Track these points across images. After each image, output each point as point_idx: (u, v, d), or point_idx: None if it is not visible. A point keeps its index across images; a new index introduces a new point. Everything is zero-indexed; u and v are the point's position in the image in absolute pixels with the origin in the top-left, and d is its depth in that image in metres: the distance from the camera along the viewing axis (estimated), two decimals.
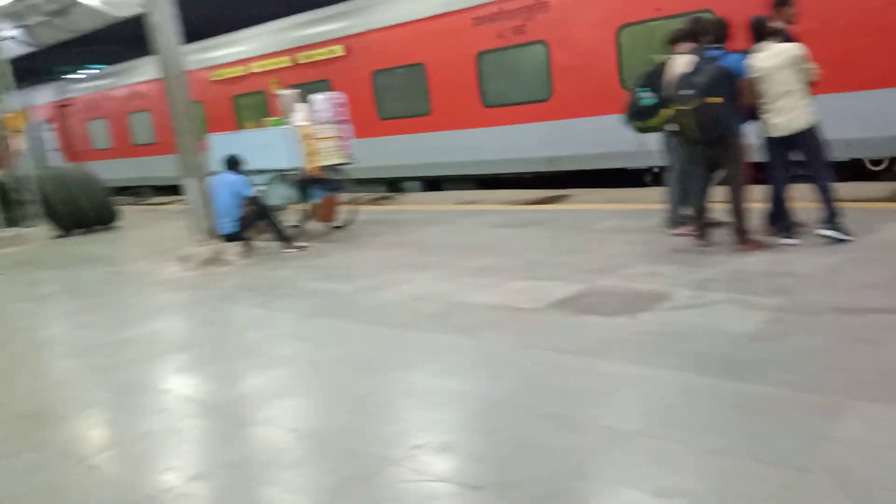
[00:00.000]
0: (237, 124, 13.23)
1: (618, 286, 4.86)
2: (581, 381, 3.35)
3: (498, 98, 10.93)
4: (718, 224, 5.70)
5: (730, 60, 5.36)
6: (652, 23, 8.94)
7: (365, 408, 3.38)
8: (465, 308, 4.79)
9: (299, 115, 8.16)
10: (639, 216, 7.19)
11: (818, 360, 3.29)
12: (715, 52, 5.41)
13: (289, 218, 8.18)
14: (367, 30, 12.38)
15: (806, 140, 5.22)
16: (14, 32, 17.68)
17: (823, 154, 5.26)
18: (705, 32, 5.59)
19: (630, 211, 7.67)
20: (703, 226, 5.67)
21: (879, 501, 2.20)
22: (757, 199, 5.50)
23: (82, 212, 11.42)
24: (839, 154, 6.35)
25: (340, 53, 12.78)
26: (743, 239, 5.39)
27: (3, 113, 11.70)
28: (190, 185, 7.38)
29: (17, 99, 12.58)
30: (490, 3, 10.64)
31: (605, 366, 3.50)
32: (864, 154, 8.07)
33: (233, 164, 7.66)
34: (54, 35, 18.46)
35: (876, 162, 8.29)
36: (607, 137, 9.09)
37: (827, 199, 5.21)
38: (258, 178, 7.94)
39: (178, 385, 4.20)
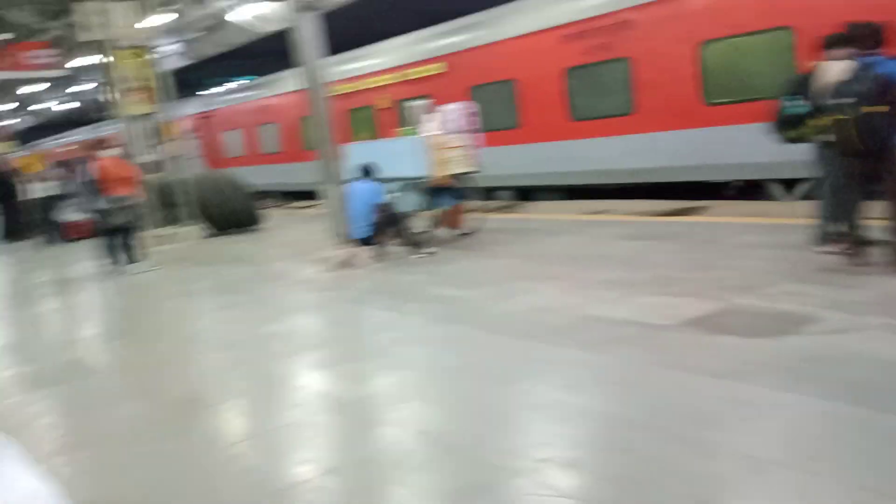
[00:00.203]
0: (352, 136, 13.97)
1: (758, 306, 4.60)
2: (718, 405, 3.20)
3: (583, 112, 11.28)
4: (873, 242, 5.25)
5: (889, 67, 4.94)
6: (732, 39, 9.26)
7: (491, 417, 3.41)
8: (592, 321, 4.71)
9: (432, 125, 8.36)
10: (780, 231, 6.76)
11: None
12: (872, 59, 5.01)
13: (419, 224, 8.39)
14: (466, 48, 13.02)
15: None
16: (174, 47, 19.43)
17: None
18: (864, 38, 5.19)
19: (770, 225, 7.22)
20: (856, 243, 5.24)
21: None
22: None
23: (235, 213, 12.30)
24: None
25: (442, 70, 13.38)
26: None
27: (165, 122, 12.81)
28: (329, 191, 7.79)
29: (173, 109, 13.71)
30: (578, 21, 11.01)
31: (745, 390, 3.32)
32: None
33: (367, 172, 7.97)
34: (208, 49, 20.14)
35: None
36: (687, 150, 9.76)
37: None
38: (390, 186, 8.21)
39: (314, 381, 4.44)
